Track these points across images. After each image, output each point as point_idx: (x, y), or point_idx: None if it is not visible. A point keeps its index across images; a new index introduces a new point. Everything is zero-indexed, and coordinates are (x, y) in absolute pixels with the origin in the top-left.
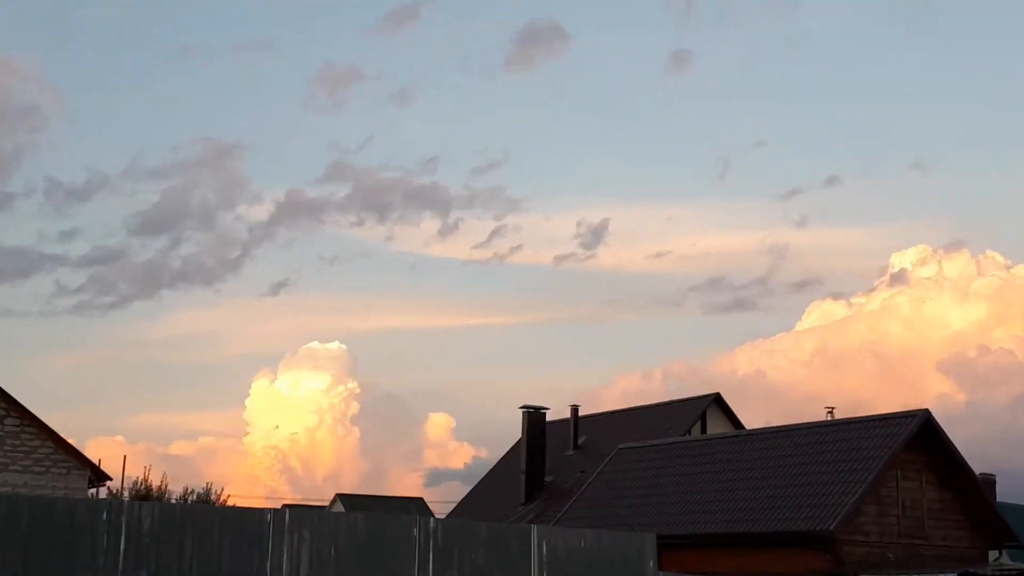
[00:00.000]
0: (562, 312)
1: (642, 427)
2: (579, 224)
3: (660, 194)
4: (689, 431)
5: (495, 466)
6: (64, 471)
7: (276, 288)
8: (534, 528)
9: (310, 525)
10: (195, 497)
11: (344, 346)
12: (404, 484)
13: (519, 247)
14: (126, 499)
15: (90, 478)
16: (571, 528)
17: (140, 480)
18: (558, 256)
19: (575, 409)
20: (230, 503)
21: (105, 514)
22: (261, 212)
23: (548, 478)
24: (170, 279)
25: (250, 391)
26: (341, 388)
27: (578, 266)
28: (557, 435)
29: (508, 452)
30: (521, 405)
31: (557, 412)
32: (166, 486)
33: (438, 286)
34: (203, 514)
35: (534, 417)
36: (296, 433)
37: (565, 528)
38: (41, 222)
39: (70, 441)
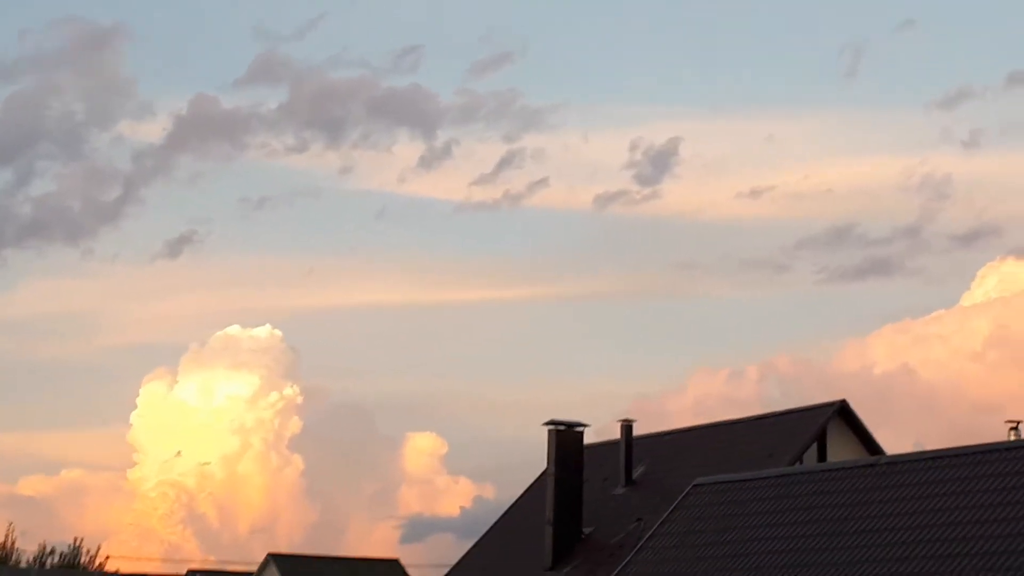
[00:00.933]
0: (607, 281)
1: (729, 453)
2: (633, 147)
3: (756, 101)
4: (801, 458)
5: (507, 512)
6: None
7: (176, 247)
8: None
9: None
10: (57, 560)
11: (279, 332)
12: (371, 540)
13: (542, 183)
14: None
15: None
16: None
17: None
18: (601, 196)
19: (627, 426)
20: (109, 569)
21: None
22: (153, 131)
23: (587, 530)
24: (17, 233)
25: (137, 401)
26: (275, 396)
27: (632, 211)
28: (600, 465)
29: (527, 492)
30: (546, 421)
31: (600, 431)
32: (13, 543)
33: (420, 242)
34: None
35: (566, 439)
36: (208, 464)
37: None
38: None
39: None
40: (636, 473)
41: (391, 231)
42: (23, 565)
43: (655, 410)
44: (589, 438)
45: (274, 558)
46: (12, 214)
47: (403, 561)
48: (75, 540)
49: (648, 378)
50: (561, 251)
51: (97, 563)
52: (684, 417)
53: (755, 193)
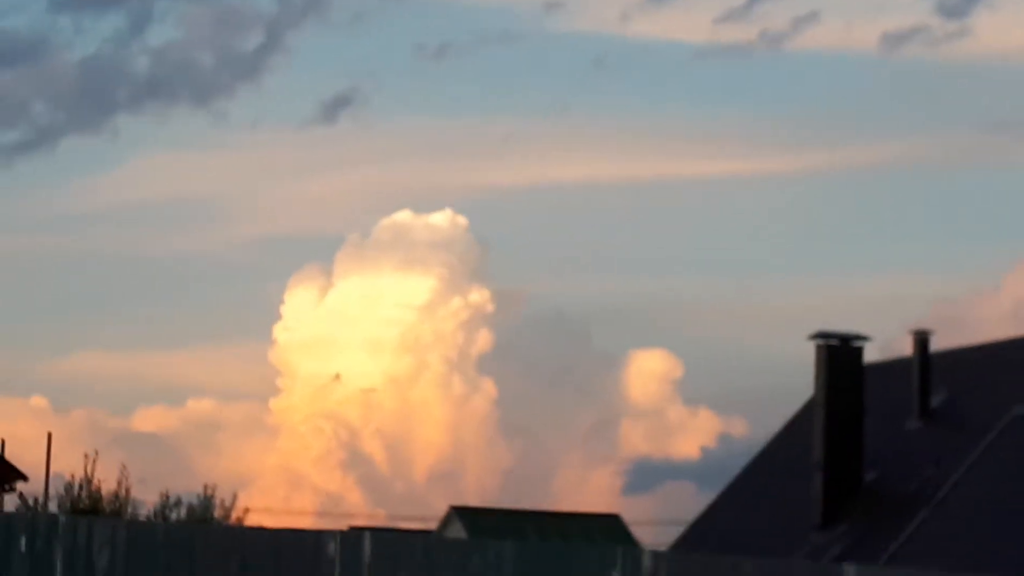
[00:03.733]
0: (897, 147)
1: None
2: None
3: None
4: None
5: (761, 453)
6: None
7: (332, 109)
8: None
9: (410, 564)
10: (183, 513)
11: (463, 219)
12: (584, 490)
13: (811, 17)
14: (59, 516)
15: None
16: (924, 572)
17: (78, 480)
18: (891, 34)
19: (922, 339)
20: (250, 524)
21: (23, 542)
22: None
23: (870, 476)
24: (131, 95)
25: (282, 310)
26: (458, 302)
27: (932, 53)
28: (886, 391)
29: (787, 426)
30: (813, 333)
31: (886, 346)
32: (128, 491)
33: (648, 99)
34: (210, 537)
35: (840, 356)
36: (373, 390)
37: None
38: None
39: None
40: (934, 401)
41: (610, 85)
42: (141, 518)
43: (960, 317)
44: (870, 355)
45: (459, 512)
46: (125, 71)
47: (626, 517)
48: (206, 488)
49: (950, 275)
50: (836, 109)
51: (234, 516)
52: (999, 327)
53: None
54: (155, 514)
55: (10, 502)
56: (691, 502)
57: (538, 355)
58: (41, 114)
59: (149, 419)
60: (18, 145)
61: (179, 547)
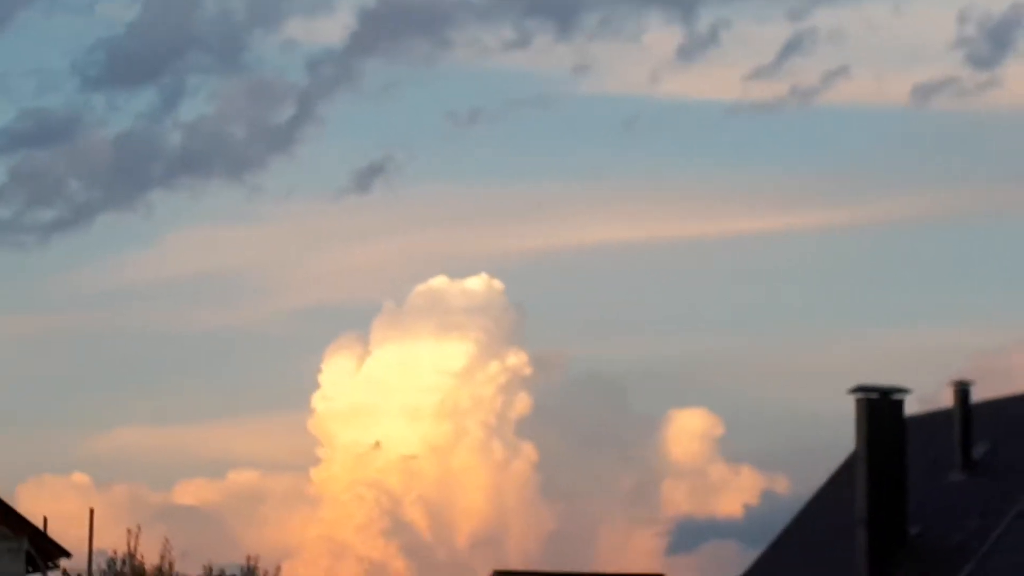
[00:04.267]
0: (931, 199)
1: None
2: (963, 18)
3: None
4: None
5: (804, 509)
6: None
7: (366, 178)
8: None
9: None
10: None
11: (498, 283)
12: (627, 551)
13: (841, 72)
14: None
15: (29, 554)
16: None
17: (121, 555)
18: (922, 86)
19: (963, 391)
20: None
21: None
22: (332, 31)
23: (914, 530)
24: (165, 171)
25: (320, 379)
26: (495, 367)
27: (963, 104)
28: (928, 444)
29: (830, 482)
30: (853, 387)
31: (926, 398)
32: (171, 565)
33: (681, 158)
34: None
35: (880, 410)
36: (414, 457)
37: None
38: None
39: None
40: (977, 453)
41: (643, 145)
42: None
43: (1000, 368)
44: (911, 408)
45: None
46: (158, 146)
47: None
48: (248, 559)
49: (989, 326)
50: (868, 162)
51: None
52: None
53: None
54: None
55: None
56: (735, 560)
57: (577, 417)
58: (77, 192)
59: (190, 492)
60: (54, 223)
61: None
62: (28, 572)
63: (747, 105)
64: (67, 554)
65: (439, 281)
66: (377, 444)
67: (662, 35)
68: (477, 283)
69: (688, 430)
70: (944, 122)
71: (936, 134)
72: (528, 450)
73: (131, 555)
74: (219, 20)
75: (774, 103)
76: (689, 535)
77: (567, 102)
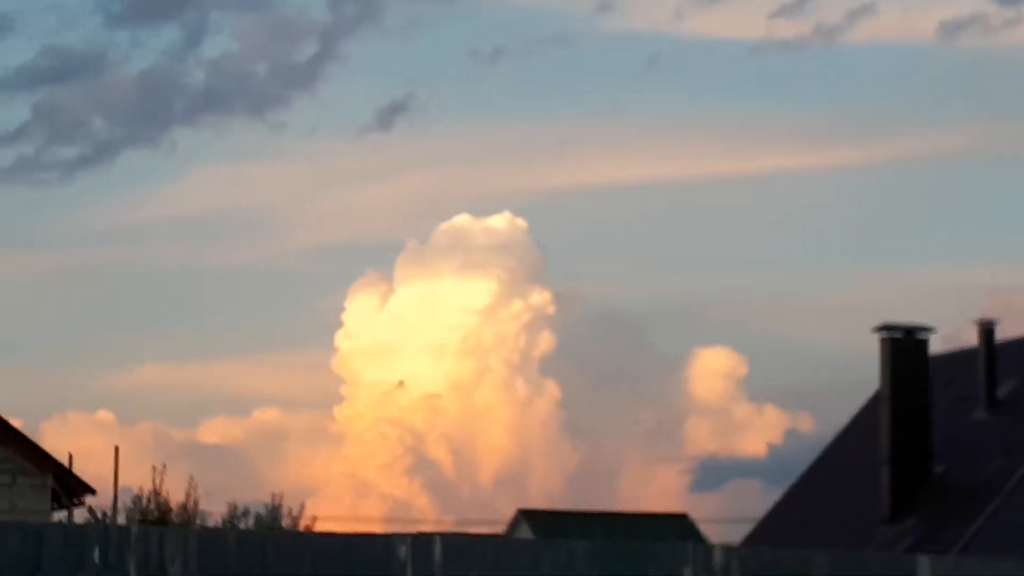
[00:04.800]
0: (956, 137)
1: None
2: None
3: None
4: None
5: (828, 448)
6: (6, 481)
7: (388, 116)
8: (922, 561)
9: (482, 566)
10: (252, 522)
11: (521, 221)
12: (650, 489)
13: (866, 9)
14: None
15: (55, 491)
16: (997, 562)
17: (146, 492)
18: (948, 23)
19: (987, 329)
20: (319, 529)
21: (97, 554)
22: None
23: (939, 468)
24: (187, 108)
25: (343, 317)
26: (519, 305)
27: (990, 41)
28: (952, 382)
29: (854, 421)
30: (877, 325)
31: (950, 336)
32: (196, 503)
33: (704, 97)
34: (281, 543)
35: (904, 348)
36: (437, 396)
37: (985, 561)
38: None
39: (13, 423)
40: (1001, 392)
41: (665, 84)
42: (211, 526)
43: (1022, 306)
44: (935, 347)
45: (526, 515)
46: (181, 83)
47: (693, 515)
48: (273, 497)
49: (1014, 263)
50: (893, 100)
51: (302, 525)
52: None
53: None
54: (223, 525)
55: (79, 515)
56: (759, 499)
57: (601, 355)
58: (100, 129)
59: (214, 430)
60: (78, 160)
61: (250, 554)
62: (53, 508)
63: (771, 43)
64: (92, 491)
65: (462, 219)
66: (400, 383)
67: None
68: (500, 221)
69: (712, 368)
70: (970, 59)
71: (962, 71)
72: (551, 388)
73: (156, 492)
74: None
75: (798, 41)
76: (712, 474)
77: (590, 40)
